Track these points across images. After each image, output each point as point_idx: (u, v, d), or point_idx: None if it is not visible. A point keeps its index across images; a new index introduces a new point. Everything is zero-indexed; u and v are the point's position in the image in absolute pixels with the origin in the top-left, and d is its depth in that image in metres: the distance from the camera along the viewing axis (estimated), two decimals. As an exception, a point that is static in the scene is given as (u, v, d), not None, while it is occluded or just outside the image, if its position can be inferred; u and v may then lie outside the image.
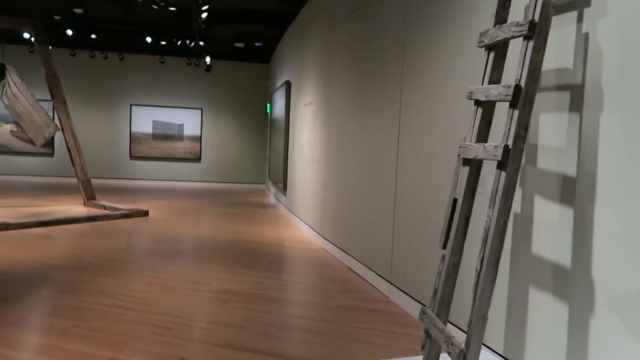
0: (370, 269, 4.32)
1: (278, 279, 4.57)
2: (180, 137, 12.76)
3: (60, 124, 7.84)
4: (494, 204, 1.95)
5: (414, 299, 3.48)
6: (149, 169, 12.68)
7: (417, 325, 3.24)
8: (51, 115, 8.13)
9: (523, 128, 1.93)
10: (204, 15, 7.30)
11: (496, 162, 1.98)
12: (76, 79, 12.21)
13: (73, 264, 4.71)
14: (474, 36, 2.57)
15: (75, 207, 8.22)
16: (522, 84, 1.95)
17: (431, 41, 3.38)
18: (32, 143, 11.28)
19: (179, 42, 8.68)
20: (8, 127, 11.96)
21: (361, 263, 4.57)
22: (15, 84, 7.10)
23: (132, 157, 12.60)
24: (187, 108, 12.71)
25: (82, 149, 12.36)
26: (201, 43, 8.80)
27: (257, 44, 11.38)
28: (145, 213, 7.68)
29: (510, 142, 1.93)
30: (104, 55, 11.42)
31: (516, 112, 1.94)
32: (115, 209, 7.87)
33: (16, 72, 7.22)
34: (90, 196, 8.37)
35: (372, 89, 4.45)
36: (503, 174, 1.95)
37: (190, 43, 8.79)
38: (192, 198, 10.47)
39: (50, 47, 7.60)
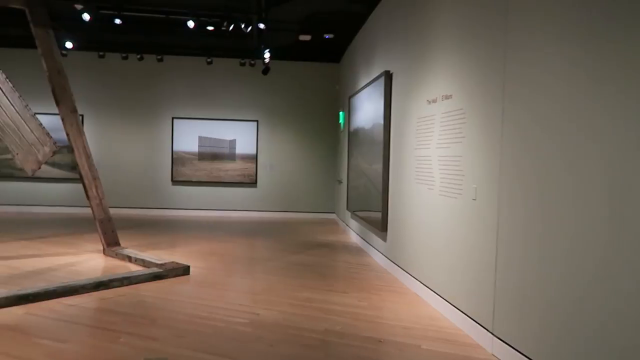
0: None
1: None
2: (231, 156, 10.38)
3: (69, 139, 5.54)
4: None
5: None
6: (193, 197, 10.35)
7: None
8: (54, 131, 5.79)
9: None
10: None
11: None
12: (105, 86, 10.11)
13: None
14: None
15: (93, 257, 5.87)
16: None
17: None
18: (58, 165, 9.18)
19: (232, 27, 6.28)
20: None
21: None
22: (-4, 83, 4.85)
23: (174, 181, 10.33)
24: (240, 120, 10.34)
25: (112, 173, 10.27)
26: (261, 26, 6.36)
27: (327, 36, 8.88)
28: (185, 270, 5.19)
29: None
30: (138, 57, 9.26)
31: None
32: (144, 262, 5.44)
33: None
34: (111, 241, 6.01)
35: None
36: None
37: (246, 27, 6.37)
38: (247, 236, 7.97)
39: (51, 31, 5.33)
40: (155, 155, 10.29)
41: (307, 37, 8.89)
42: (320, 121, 10.46)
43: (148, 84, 10.18)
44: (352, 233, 7.98)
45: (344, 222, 9.00)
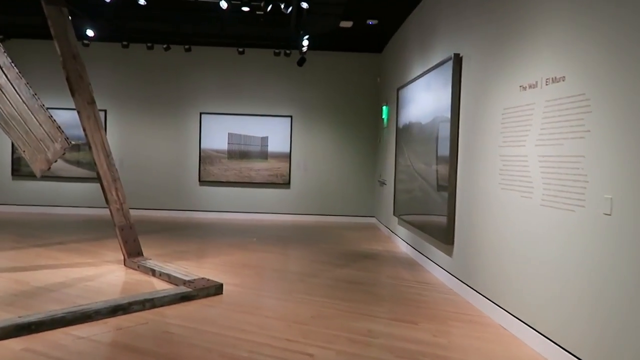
0: None
1: None
2: (263, 155, 9.59)
3: (86, 135, 4.80)
4: None
5: None
6: (222, 198, 9.59)
7: None
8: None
9: None
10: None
11: None
12: (129, 78, 9.44)
13: None
14: None
15: (112, 270, 5.13)
16: None
17: None
18: (82, 164, 8.58)
19: (269, 6, 5.46)
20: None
21: None
22: (1, 68, 4.12)
23: (201, 181, 9.59)
24: (272, 116, 9.54)
25: (136, 172, 9.58)
26: (304, 4, 5.52)
27: (370, 22, 8.00)
28: (217, 289, 4.39)
29: None
30: (165, 47, 8.53)
31: None
32: (169, 277, 4.67)
33: (4, 51, 4.25)
34: (133, 251, 5.26)
35: None
36: None
37: (286, 7, 5.54)
38: (281, 243, 7.16)
39: (66, 9, 4.59)
40: (182, 154, 9.57)
41: (348, 24, 8.03)
42: (360, 117, 9.58)
43: (175, 77, 9.46)
44: (400, 241, 7.09)
45: (387, 227, 8.11)
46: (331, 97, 9.55)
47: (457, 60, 4.80)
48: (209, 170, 9.57)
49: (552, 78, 3.21)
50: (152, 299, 3.96)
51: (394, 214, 7.35)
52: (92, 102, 4.90)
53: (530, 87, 3.49)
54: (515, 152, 3.65)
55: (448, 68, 4.91)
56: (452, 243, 4.88)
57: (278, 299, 4.38)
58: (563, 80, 3.09)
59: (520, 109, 3.60)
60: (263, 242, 7.17)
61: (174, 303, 4.08)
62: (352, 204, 9.64)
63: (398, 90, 7.23)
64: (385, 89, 8.75)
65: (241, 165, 9.59)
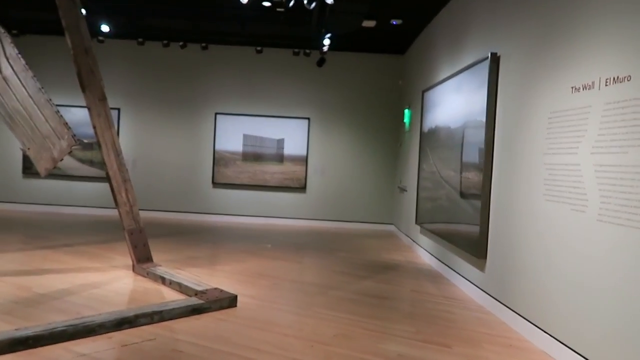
0: None
1: None
2: (279, 158, 9.29)
3: (96, 133, 4.53)
4: None
5: None
6: (236, 201, 9.31)
7: None
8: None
9: None
10: None
11: None
12: (144, 76, 9.21)
13: None
14: None
15: (120, 276, 4.85)
16: None
17: None
18: (94, 164, 8.38)
19: (292, 2, 5.15)
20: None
21: None
22: (7, 59, 3.86)
23: (214, 184, 9.32)
24: (289, 117, 9.24)
25: (148, 173, 9.34)
26: (329, 0, 5.20)
27: (394, 22, 7.66)
28: (231, 302, 4.08)
29: None
30: (181, 44, 8.29)
31: None
32: (180, 286, 4.37)
33: (12, 40, 3.98)
34: (142, 256, 4.97)
35: None
36: None
37: (309, 2, 5.23)
38: (298, 250, 6.84)
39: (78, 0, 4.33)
40: (196, 155, 9.31)
41: (371, 23, 7.69)
42: (380, 120, 9.24)
43: (190, 75, 9.22)
44: (423, 252, 6.72)
45: (408, 236, 7.74)
46: (351, 99, 9.23)
47: (495, 60, 4.44)
48: (223, 173, 9.29)
49: (614, 78, 2.85)
50: (161, 312, 3.65)
51: (416, 223, 6.99)
52: (104, 99, 4.63)
53: (585, 88, 3.12)
54: (565, 160, 3.29)
55: (483, 68, 4.56)
56: (485, 257, 4.51)
57: (297, 314, 4.05)
58: (628, 80, 2.73)
59: (572, 112, 3.24)
60: (278, 248, 6.85)
61: (185, 316, 3.77)
62: (371, 211, 9.29)
63: (423, 92, 6.88)
64: (408, 92, 8.40)
65: (256, 168, 9.30)
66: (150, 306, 3.77)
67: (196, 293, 4.14)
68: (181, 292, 4.35)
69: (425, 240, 6.67)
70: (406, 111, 8.28)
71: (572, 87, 3.27)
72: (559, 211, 3.33)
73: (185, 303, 3.88)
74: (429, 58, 7.11)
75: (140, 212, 5.03)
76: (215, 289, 4.27)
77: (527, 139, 3.85)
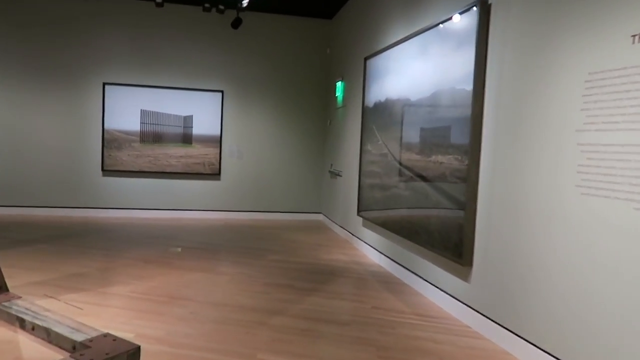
0: None
1: None
2: (186, 139, 7.73)
3: None
4: None
5: None
6: (133, 192, 7.63)
7: None
8: None
9: None
10: None
11: None
12: (3, 35, 7.12)
13: None
14: None
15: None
16: None
17: None
18: None
19: None
20: None
21: None
22: None
23: (105, 171, 7.54)
24: (199, 90, 7.69)
25: (16, 159, 7.33)
26: None
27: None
28: (131, 357, 2.68)
29: None
30: (52, -10, 6.37)
31: None
32: (48, 333, 2.88)
33: None
34: (-10, 286, 3.35)
35: None
36: None
37: None
38: (215, 254, 5.49)
39: None
40: (79, 136, 7.44)
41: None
42: (308, 95, 8.03)
43: (69, 35, 7.27)
44: (367, 248, 5.70)
45: (345, 228, 6.70)
46: (273, 69, 7.89)
47: (484, 9, 3.41)
48: (116, 157, 7.53)
49: None
50: (7, 397, 2.19)
51: (357, 214, 5.94)
52: None
53: (660, 35, 2.17)
54: (617, 140, 2.34)
55: (468, 21, 3.52)
56: (471, 264, 3.54)
57: (232, 367, 2.77)
58: None
59: (635, 71, 2.28)
60: (191, 253, 5.44)
61: (53, 394, 2.33)
62: (296, 199, 8.11)
63: (366, 60, 5.77)
64: (342, 61, 7.26)
65: (157, 151, 7.66)
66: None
67: (74, 346, 2.69)
68: (50, 342, 2.86)
69: (370, 235, 5.65)
70: (339, 84, 7.15)
71: (634, 36, 2.30)
72: (606, 210, 2.39)
73: (54, 371, 2.44)
74: (371, 19, 6.00)
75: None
76: (106, 335, 2.84)
77: (543, 112, 2.87)
